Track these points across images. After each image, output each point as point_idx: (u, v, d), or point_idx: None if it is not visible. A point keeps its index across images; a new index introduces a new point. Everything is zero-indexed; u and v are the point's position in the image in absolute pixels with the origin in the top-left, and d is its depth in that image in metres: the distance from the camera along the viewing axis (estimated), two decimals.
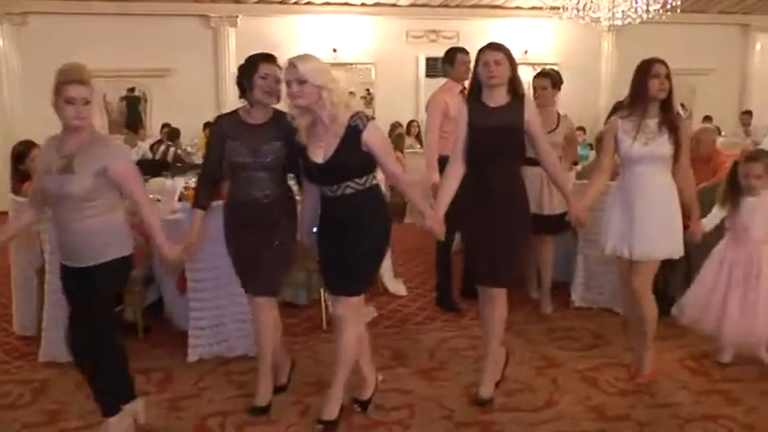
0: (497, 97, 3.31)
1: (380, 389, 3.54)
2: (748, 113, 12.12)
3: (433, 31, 11.31)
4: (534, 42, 11.59)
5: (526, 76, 12.60)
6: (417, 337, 4.45)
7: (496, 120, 3.27)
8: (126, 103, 10.79)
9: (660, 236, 3.45)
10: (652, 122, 3.43)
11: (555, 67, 12.23)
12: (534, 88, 4.83)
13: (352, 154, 2.99)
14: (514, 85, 3.32)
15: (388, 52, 11.22)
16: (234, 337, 4.18)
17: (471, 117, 3.34)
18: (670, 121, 3.42)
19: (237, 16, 10.78)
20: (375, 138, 3.02)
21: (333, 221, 3.15)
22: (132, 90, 10.78)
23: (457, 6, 11.16)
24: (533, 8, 10.99)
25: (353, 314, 3.19)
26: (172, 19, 10.61)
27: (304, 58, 2.97)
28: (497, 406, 3.46)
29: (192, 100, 10.50)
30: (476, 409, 3.44)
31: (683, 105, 13.22)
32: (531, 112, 3.32)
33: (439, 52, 11.39)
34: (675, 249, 3.52)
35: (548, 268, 4.92)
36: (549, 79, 4.89)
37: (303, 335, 4.55)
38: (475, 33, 11.23)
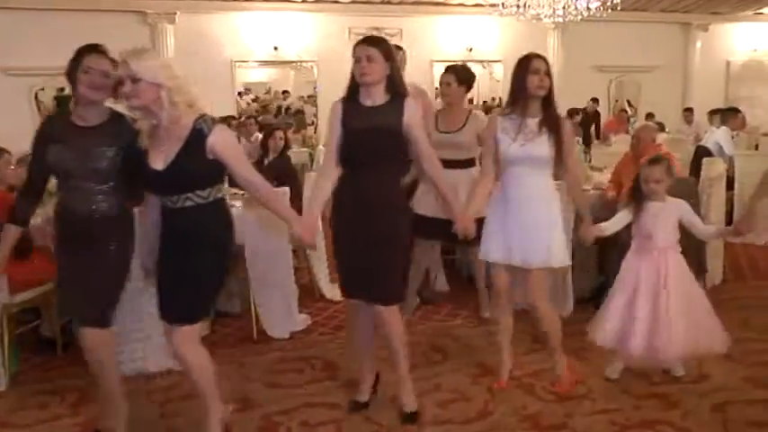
0: (374, 96, 3.03)
1: (308, 403, 3.37)
2: (689, 110, 12.28)
3: (376, 29, 11.07)
4: (479, 39, 11.56)
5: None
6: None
7: (371, 121, 3.00)
8: (56, 103, 10.35)
9: (539, 243, 3.25)
10: (532, 122, 3.23)
11: (499, 65, 12.47)
12: (440, 84, 4.55)
13: (196, 161, 2.66)
14: (393, 83, 3.04)
15: (331, 50, 11.00)
16: (159, 351, 3.90)
17: (345, 117, 3.08)
18: (551, 121, 3.22)
19: (176, 13, 10.48)
20: (223, 143, 2.69)
21: (170, 238, 2.81)
22: (62, 90, 10.34)
23: (399, 3, 11.05)
24: (477, 5, 10.95)
25: (191, 346, 2.84)
26: (107, 15, 10.24)
27: (138, 52, 2.65)
28: (429, 417, 3.29)
29: None
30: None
31: (629, 102, 13.40)
32: (411, 114, 3.03)
33: None
34: (557, 258, 3.30)
35: (480, 272, 4.70)
36: (455, 75, 4.50)
37: (233, 346, 4.33)
38: (418, 30, 11.16)
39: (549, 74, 3.22)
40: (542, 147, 3.21)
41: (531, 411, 3.34)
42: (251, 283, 4.39)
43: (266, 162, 6.11)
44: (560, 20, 8.60)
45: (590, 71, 12.29)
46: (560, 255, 3.32)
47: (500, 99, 12.48)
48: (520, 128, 3.22)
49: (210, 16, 10.60)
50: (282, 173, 5.85)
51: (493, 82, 12.48)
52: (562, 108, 12.07)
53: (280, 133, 6.11)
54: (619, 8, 11.75)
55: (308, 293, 5.18)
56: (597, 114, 11.59)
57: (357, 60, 3.01)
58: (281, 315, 4.46)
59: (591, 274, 4.92)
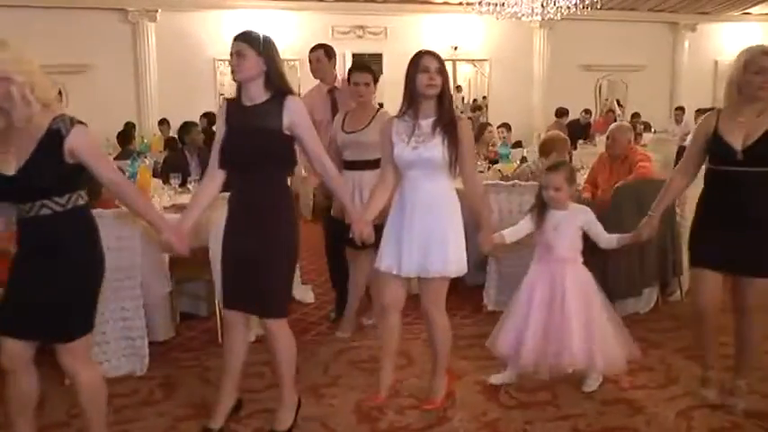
0: (252, 94, 2.89)
1: (265, 409, 3.28)
2: (681, 109, 12.22)
3: (360, 27, 11.08)
4: (464, 38, 11.48)
5: (455, 72, 12.79)
6: (315, 350, 4.16)
7: (248, 120, 2.86)
8: None
9: (435, 251, 3.06)
10: (426, 123, 3.06)
11: (486, 64, 12.41)
12: (356, 84, 4.14)
13: (52, 164, 2.44)
14: (271, 80, 2.87)
15: None
16: (118, 355, 3.84)
17: (228, 117, 2.94)
18: (445, 122, 3.04)
19: (157, 10, 10.39)
20: (82, 144, 2.48)
21: (26, 250, 2.56)
22: None
23: (384, 1, 10.96)
24: (461, 4, 10.83)
25: (82, 364, 2.64)
26: (88, 12, 10.16)
27: None
28: (386, 424, 3.22)
29: (110, 97, 10.07)
30: (362, 429, 3.19)
31: (618, 102, 13.34)
32: (293, 113, 2.86)
33: (366, 48, 11.39)
34: (455, 266, 3.12)
35: (356, 285, 4.41)
36: (372, 75, 4.19)
37: (198, 349, 4.24)
38: (403, 29, 11.08)
39: (441, 72, 3.03)
40: (435, 149, 3.02)
41: (491, 418, 3.26)
42: (216, 286, 4.30)
43: None
44: (538, 18, 8.49)
45: (577, 70, 12.22)
46: (458, 263, 3.13)
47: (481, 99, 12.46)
48: (413, 130, 3.06)
49: (192, 14, 10.52)
50: None
51: (484, 81, 12.41)
52: (550, 107, 12.05)
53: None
54: (603, 7, 11.88)
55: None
56: (589, 126, 11.47)
57: (230, 56, 2.91)
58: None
59: None
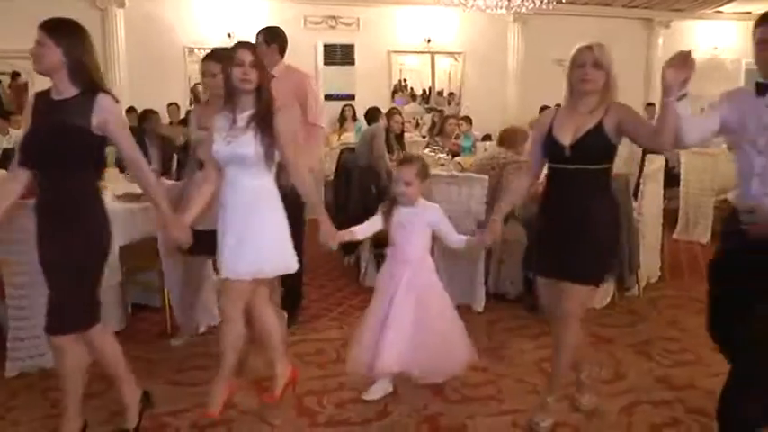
0: (60, 88, 2.68)
1: (204, 403, 3.19)
2: (652, 105, 12.21)
3: (333, 17, 10.96)
4: (438, 31, 11.41)
5: (409, 64, 12.58)
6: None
7: (53, 115, 2.66)
8: None
9: (248, 251, 2.90)
10: (242, 117, 2.92)
11: (459, 57, 12.35)
12: (203, 74, 3.79)
13: None
14: (77, 74, 2.66)
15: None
16: None
17: (34, 110, 2.74)
18: (260, 116, 2.90)
19: None
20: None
21: None
22: (17, 74, 10.06)
23: None
24: None
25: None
26: None
27: None
28: (325, 418, 3.18)
29: None
30: (301, 422, 3.15)
31: None
32: (104, 112, 2.66)
33: (338, 39, 11.30)
34: (272, 266, 2.99)
35: (192, 291, 4.24)
36: (221, 63, 3.62)
37: (147, 342, 4.18)
38: (376, 21, 10.99)
39: (257, 65, 2.89)
40: (248, 145, 2.87)
41: (432, 412, 3.23)
42: (165, 276, 4.25)
43: None
44: (503, 11, 8.45)
45: (551, 65, 12.14)
46: (276, 263, 2.99)
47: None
48: (231, 125, 2.92)
49: (162, 1, 10.33)
50: None
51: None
52: (524, 102, 11.94)
53: None
54: (578, 2, 11.91)
55: None
56: None
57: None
58: (195, 308, 4.30)
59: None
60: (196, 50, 10.66)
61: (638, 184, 5.10)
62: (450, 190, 4.59)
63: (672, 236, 6.80)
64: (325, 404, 3.30)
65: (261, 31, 4.32)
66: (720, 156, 6.72)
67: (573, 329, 2.98)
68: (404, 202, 3.21)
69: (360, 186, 5.53)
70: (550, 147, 2.93)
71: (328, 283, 5.40)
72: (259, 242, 2.91)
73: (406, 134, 9.18)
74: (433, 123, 10.02)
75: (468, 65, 11.64)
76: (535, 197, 4.91)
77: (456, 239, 3.27)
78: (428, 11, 11.27)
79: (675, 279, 5.56)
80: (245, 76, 2.86)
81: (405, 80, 13.20)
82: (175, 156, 6.26)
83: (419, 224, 3.22)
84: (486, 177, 4.62)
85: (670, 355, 3.94)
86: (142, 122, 6.52)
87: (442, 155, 6.17)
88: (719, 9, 13.03)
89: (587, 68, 2.83)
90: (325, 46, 10.90)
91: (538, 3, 7.64)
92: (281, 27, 4.50)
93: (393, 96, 11.95)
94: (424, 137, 9.73)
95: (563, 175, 2.92)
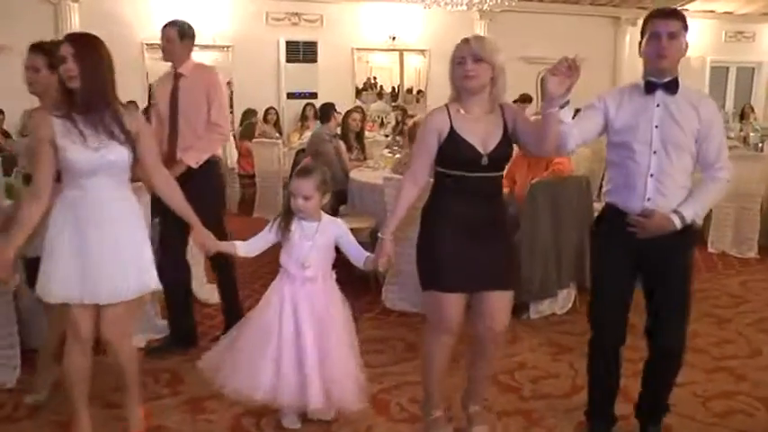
0: None
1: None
2: None
3: (295, 14, 10.71)
4: (403, 28, 11.22)
5: (379, 62, 12.39)
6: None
7: None
8: None
9: (105, 272, 2.60)
10: (90, 119, 2.63)
11: (425, 55, 12.15)
12: (27, 69, 3.17)
13: None
14: None
15: (248, 34, 10.52)
16: None
17: None
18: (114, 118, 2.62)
19: None
20: None
21: None
22: None
23: None
24: None
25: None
26: None
27: None
28: None
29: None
30: None
31: None
32: None
33: (301, 36, 11.07)
34: (132, 287, 2.67)
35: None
36: (45, 55, 3.09)
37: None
38: (340, 17, 10.78)
39: (78, 58, 2.56)
40: (118, 150, 2.61)
41: None
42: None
43: None
44: (463, 8, 8.28)
45: (518, 63, 12.02)
46: (137, 282, 2.68)
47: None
48: (89, 130, 2.57)
49: None
50: None
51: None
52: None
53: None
54: None
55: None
56: None
57: None
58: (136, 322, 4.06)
59: None
60: (155, 46, 10.40)
61: (601, 185, 4.97)
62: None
63: None
64: (263, 427, 3.10)
65: (173, 24, 3.99)
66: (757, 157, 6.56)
67: (503, 340, 2.96)
68: (304, 216, 2.94)
69: None
70: (462, 154, 2.67)
71: None
72: (116, 261, 2.63)
73: (369, 133, 9.00)
74: (397, 122, 9.86)
75: (434, 62, 11.47)
76: None
77: (358, 255, 3.00)
78: (392, 7, 11.08)
79: None
80: (70, 73, 2.54)
81: (375, 78, 13.03)
82: None
83: (323, 239, 2.96)
84: None
85: (630, 364, 3.79)
86: None
87: (399, 155, 5.98)
88: (685, 7, 13.00)
89: (468, 64, 2.64)
90: (288, 43, 10.64)
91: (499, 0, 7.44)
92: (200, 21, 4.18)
93: (360, 94, 11.76)
94: (387, 136, 9.54)
95: (475, 183, 2.70)
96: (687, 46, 2.72)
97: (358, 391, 2.91)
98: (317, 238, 2.94)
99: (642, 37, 2.71)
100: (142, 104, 9.88)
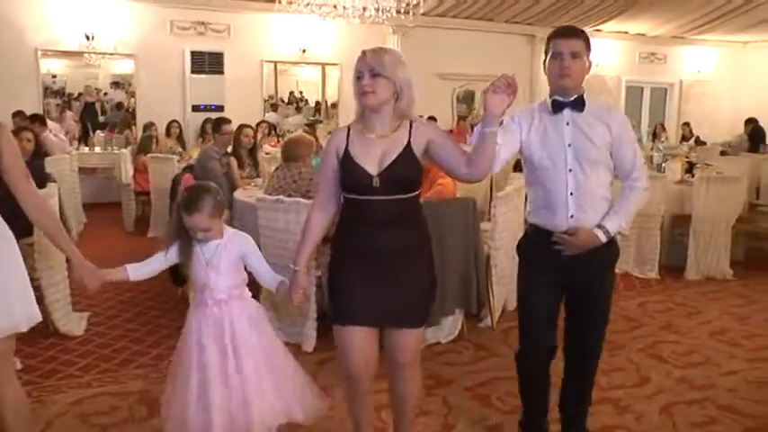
0: None
1: None
2: None
3: (202, 23, 10.32)
4: (314, 41, 10.97)
5: (304, 76, 12.24)
6: (46, 398, 3.47)
7: None
8: None
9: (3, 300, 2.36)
10: None
11: (335, 68, 11.89)
12: None
13: None
14: None
15: (151, 43, 10.09)
16: None
17: None
18: None
19: None
20: None
21: None
22: None
23: None
24: (309, 4, 10.33)
25: None
26: None
27: None
28: None
29: None
30: None
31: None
32: None
33: (208, 46, 10.66)
34: (30, 314, 2.46)
35: None
36: None
37: None
38: (248, 28, 10.45)
39: None
40: None
41: None
42: None
43: None
44: (357, 20, 8.07)
45: (433, 78, 11.98)
46: (27, 312, 2.44)
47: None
48: None
49: None
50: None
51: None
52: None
53: (28, 134, 5.22)
54: (459, 15, 11.74)
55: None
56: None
57: None
58: None
59: None
60: (50, 52, 9.84)
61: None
62: (277, 217, 4.08)
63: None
64: None
65: None
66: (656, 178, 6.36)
67: (418, 377, 2.75)
68: (206, 236, 2.67)
69: None
70: (353, 176, 2.46)
71: (153, 320, 4.79)
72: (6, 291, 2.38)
73: (271, 148, 8.67)
74: None
75: (345, 76, 11.25)
76: None
77: (269, 279, 2.75)
78: (303, 19, 10.78)
79: None
80: None
81: (301, 92, 12.71)
82: None
83: (229, 257, 2.69)
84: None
85: (510, 398, 3.56)
86: None
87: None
88: (599, 27, 13.21)
89: (365, 79, 2.40)
90: (193, 53, 10.22)
91: (393, 14, 7.24)
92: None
93: (276, 108, 11.43)
94: None
95: (371, 207, 2.47)
96: (590, 65, 2.72)
97: (299, 409, 2.71)
98: (219, 258, 2.66)
99: (546, 56, 2.70)
100: (38, 111, 9.30)
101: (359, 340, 2.53)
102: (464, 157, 2.46)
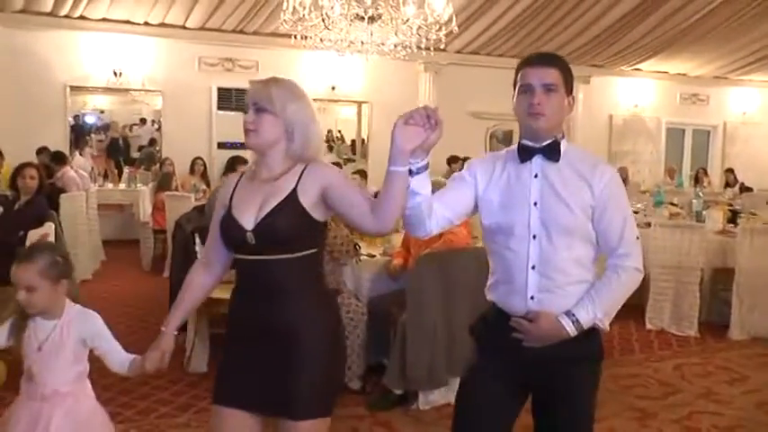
0: None
1: None
2: None
3: (230, 60, 10.23)
4: (343, 78, 10.79)
5: (344, 114, 12.17)
6: None
7: None
8: None
9: None
10: None
11: (366, 106, 11.76)
12: None
13: None
14: None
15: (178, 79, 10.02)
16: None
17: None
18: None
19: None
20: None
21: None
22: None
23: (255, 33, 10.13)
24: (322, 40, 10.20)
25: None
26: None
27: None
28: None
29: None
30: None
31: None
32: None
33: (235, 83, 10.57)
34: None
35: None
36: None
37: None
38: (276, 65, 10.30)
39: None
40: None
41: None
42: None
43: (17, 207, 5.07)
44: (376, 56, 7.81)
45: (466, 117, 11.70)
46: None
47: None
48: None
49: (39, 34, 9.36)
50: (33, 220, 4.85)
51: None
52: (439, 156, 11.56)
53: (31, 171, 5.06)
54: (492, 53, 11.49)
55: None
56: None
57: None
58: None
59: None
60: (79, 89, 9.86)
61: None
62: None
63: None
64: None
65: None
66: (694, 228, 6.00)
67: None
68: (35, 312, 2.27)
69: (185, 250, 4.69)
70: (227, 231, 2.08)
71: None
72: None
73: None
74: None
75: (375, 114, 11.06)
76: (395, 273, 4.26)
77: (120, 361, 2.32)
78: (333, 56, 10.65)
79: None
80: None
81: (339, 130, 12.60)
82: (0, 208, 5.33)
83: (66, 342, 2.27)
84: None
85: None
86: None
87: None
88: (638, 67, 12.83)
89: (249, 114, 2.05)
90: (220, 90, 10.13)
91: (414, 50, 6.98)
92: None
93: None
94: None
95: (250, 270, 2.07)
96: (573, 102, 2.16)
97: None
98: (53, 343, 2.25)
99: (514, 89, 2.15)
100: (64, 147, 9.28)
101: (231, 426, 2.09)
102: (368, 207, 1.97)
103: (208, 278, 2.21)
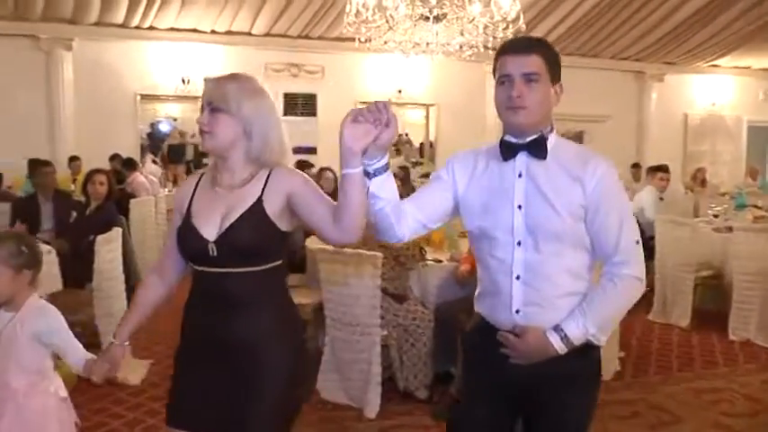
0: None
1: None
2: (637, 166, 11.36)
3: (295, 65, 10.29)
4: (409, 81, 10.72)
5: (412, 117, 12.12)
6: None
7: None
8: None
9: None
10: None
11: (433, 108, 11.66)
12: None
13: None
14: None
15: None
16: None
17: None
18: None
19: (73, 39, 9.57)
20: None
21: None
22: None
23: (320, 38, 10.16)
24: (386, 42, 10.12)
25: None
26: None
27: None
28: None
29: (19, 133, 9.19)
30: None
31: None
32: None
33: (300, 88, 10.63)
34: None
35: None
36: None
37: None
38: (342, 69, 10.35)
39: None
40: None
41: None
42: None
43: (88, 212, 5.17)
44: (440, 55, 7.66)
45: None
46: None
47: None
48: None
49: (111, 44, 9.68)
50: (102, 225, 4.92)
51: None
52: None
53: (101, 177, 5.15)
54: (562, 52, 11.13)
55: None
56: None
57: None
58: None
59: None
60: (149, 97, 10.10)
61: None
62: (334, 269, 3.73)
63: (647, 317, 5.87)
64: None
65: None
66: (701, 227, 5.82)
67: None
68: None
69: None
70: (186, 241, 1.95)
71: None
72: None
73: None
74: (401, 180, 9.31)
75: (442, 116, 10.94)
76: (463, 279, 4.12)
77: (76, 358, 2.23)
78: (398, 59, 10.59)
79: (637, 375, 4.60)
80: None
81: (407, 133, 12.56)
82: (74, 213, 5.47)
83: (19, 336, 2.20)
84: (380, 255, 3.73)
85: None
86: (31, 175, 5.76)
87: None
88: (715, 63, 12.29)
89: (204, 115, 1.91)
90: (286, 95, 10.18)
91: (481, 49, 6.82)
92: None
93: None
94: None
95: (210, 282, 1.93)
96: (560, 92, 1.93)
97: None
98: (6, 335, 2.19)
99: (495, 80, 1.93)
100: (135, 154, 9.53)
101: None
102: (331, 213, 1.82)
103: (161, 288, 2.09)
